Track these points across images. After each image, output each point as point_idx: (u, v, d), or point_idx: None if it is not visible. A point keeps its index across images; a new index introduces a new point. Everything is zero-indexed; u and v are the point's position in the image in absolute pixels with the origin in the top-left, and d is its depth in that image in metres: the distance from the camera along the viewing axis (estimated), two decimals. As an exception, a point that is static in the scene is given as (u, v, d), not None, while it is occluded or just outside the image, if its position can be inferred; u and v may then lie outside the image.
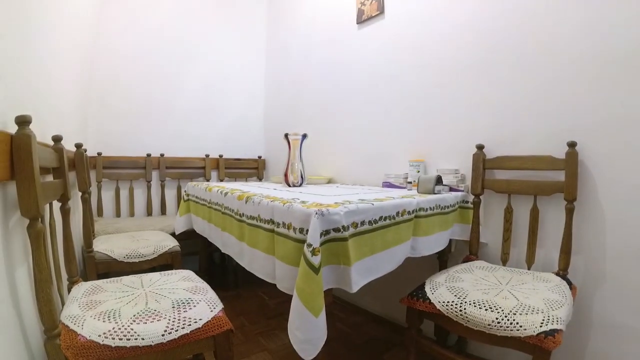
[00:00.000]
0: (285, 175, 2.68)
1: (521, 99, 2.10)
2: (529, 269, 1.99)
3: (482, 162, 2.18)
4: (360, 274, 1.47)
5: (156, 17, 3.82)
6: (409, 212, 1.75)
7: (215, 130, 4.25)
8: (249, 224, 1.76)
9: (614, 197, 1.76)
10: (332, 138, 3.47)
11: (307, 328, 1.26)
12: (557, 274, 1.81)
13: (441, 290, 1.65)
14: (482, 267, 1.97)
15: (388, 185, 2.66)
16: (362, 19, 3.12)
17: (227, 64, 4.32)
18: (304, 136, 2.69)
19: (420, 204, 1.84)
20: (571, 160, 1.84)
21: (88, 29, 3.09)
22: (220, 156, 4.22)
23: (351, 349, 2.48)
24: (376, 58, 3.02)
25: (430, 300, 1.63)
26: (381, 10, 2.95)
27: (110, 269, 2.30)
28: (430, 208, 1.92)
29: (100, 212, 3.47)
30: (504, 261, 2.08)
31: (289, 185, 2.64)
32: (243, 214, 1.84)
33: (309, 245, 1.27)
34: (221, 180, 4.09)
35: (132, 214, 3.68)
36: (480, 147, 2.19)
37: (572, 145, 1.84)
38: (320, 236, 1.31)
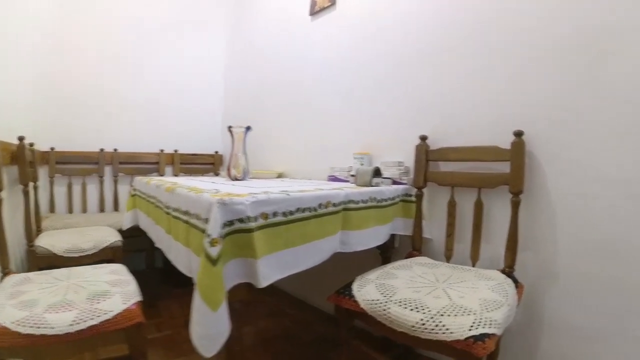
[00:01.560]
0: (228, 169, 2.45)
1: (468, 89, 1.93)
2: (473, 265, 1.80)
3: (424, 154, 1.97)
4: (272, 268, 1.31)
5: (111, 8, 3.59)
6: (334, 205, 1.56)
7: (171, 125, 4.01)
8: (174, 216, 1.61)
9: (565, 189, 1.60)
10: (286, 132, 3.29)
11: (206, 323, 1.14)
12: (503, 272, 1.63)
13: (368, 288, 1.45)
14: (422, 263, 1.78)
15: (333, 179, 2.44)
16: (314, 10, 2.92)
17: (184, 56, 4.07)
18: (248, 128, 2.46)
19: (350, 197, 1.65)
20: (517, 150, 1.64)
21: (40, 22, 2.93)
22: (176, 151, 3.97)
23: (298, 347, 2.32)
24: (327, 50, 2.84)
25: (355, 298, 1.42)
26: (332, 2, 2.76)
27: (52, 263, 2.17)
28: (363, 201, 1.72)
29: (52, 208, 3.30)
30: (448, 257, 1.89)
31: (232, 180, 2.39)
32: (169, 206, 1.69)
33: (208, 235, 1.15)
34: (175, 176, 3.82)
35: (84, 210, 3.45)
36: (423, 138, 1.99)
37: (518, 134, 1.65)
38: (224, 227, 1.19)
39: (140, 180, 2.56)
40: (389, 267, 1.70)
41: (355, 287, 1.48)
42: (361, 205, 1.70)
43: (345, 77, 2.67)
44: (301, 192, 1.44)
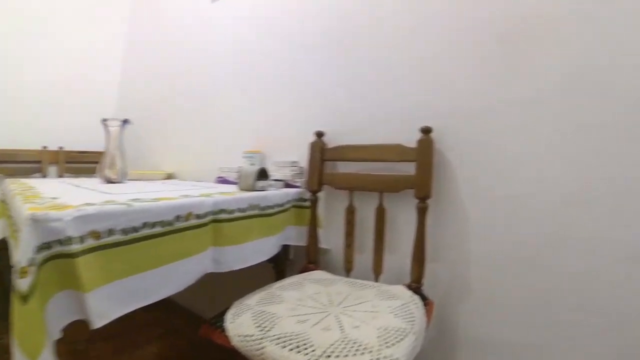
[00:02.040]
0: (102, 170, 2.02)
1: (371, 81, 1.70)
2: (377, 280, 1.56)
3: (320, 152, 1.70)
4: (112, 302, 0.98)
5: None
6: (198, 216, 1.23)
7: (57, 120, 3.45)
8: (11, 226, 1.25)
9: (479, 193, 1.41)
10: (180, 128, 2.87)
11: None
12: (410, 287, 1.40)
13: (244, 318, 1.15)
14: (317, 279, 1.50)
15: (222, 180, 2.11)
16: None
17: (78, 45, 3.50)
18: (125, 122, 2.05)
19: (220, 205, 1.32)
20: (424, 149, 1.42)
21: None
22: (61, 148, 3.39)
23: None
24: (225, 41, 2.49)
25: (227, 331, 1.11)
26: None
27: None
28: (241, 209, 1.41)
29: None
30: (348, 270, 1.63)
31: (105, 182, 1.98)
32: (11, 215, 1.31)
33: (16, 263, 0.83)
34: (60, 177, 3.27)
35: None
36: (319, 135, 1.72)
37: (426, 131, 1.43)
38: (39, 251, 0.86)
39: (7, 183, 2.07)
40: (275, 287, 1.41)
41: (229, 317, 1.18)
42: (237, 214, 1.39)
43: (242, 69, 2.34)
44: (152, 202, 1.12)
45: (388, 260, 1.58)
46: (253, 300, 1.27)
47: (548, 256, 1.30)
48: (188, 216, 1.19)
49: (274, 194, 1.59)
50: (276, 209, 1.58)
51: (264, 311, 1.17)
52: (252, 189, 1.58)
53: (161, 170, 2.84)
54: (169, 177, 2.73)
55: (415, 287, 1.42)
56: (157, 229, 1.09)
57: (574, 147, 1.26)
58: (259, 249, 1.48)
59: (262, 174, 1.64)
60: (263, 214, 1.50)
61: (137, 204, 1.06)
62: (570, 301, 1.27)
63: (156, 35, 3.28)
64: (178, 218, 1.15)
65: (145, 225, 1.06)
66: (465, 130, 1.44)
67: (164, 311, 2.59)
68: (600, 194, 1.23)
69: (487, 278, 1.41)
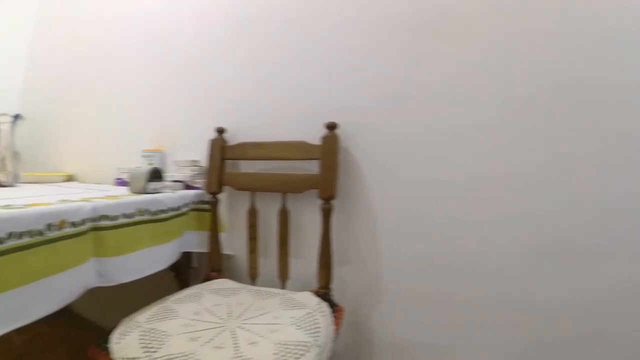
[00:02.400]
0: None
1: (277, 74, 1.60)
2: (283, 287, 1.47)
3: (220, 150, 1.57)
4: None
5: None
6: (74, 224, 1.07)
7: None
8: None
9: (388, 193, 1.37)
10: (85, 123, 2.55)
11: None
12: (317, 293, 1.32)
13: (131, 338, 1.01)
14: (218, 289, 1.37)
15: (121, 182, 1.92)
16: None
17: None
18: (17, 117, 1.81)
19: (100, 211, 1.16)
20: (329, 146, 1.35)
21: None
22: None
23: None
24: (127, 33, 2.26)
25: (112, 353, 0.98)
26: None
27: None
28: (127, 214, 1.25)
29: None
30: (253, 278, 1.53)
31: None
32: None
33: None
34: None
35: None
36: (220, 131, 1.60)
37: (331, 127, 1.36)
38: None
39: None
40: (171, 300, 1.27)
41: (116, 337, 1.03)
42: (123, 221, 1.23)
43: (146, 63, 2.13)
44: (19, 209, 0.96)
45: (295, 265, 1.49)
46: (144, 317, 1.13)
47: (460, 255, 1.28)
48: (61, 224, 1.03)
49: (168, 196, 1.44)
50: (171, 213, 1.44)
51: (153, 329, 1.04)
52: (144, 191, 1.43)
53: (62, 172, 2.56)
54: (69, 179, 2.47)
55: (324, 293, 1.34)
56: (26, 240, 0.93)
57: (487, 143, 1.24)
58: (152, 258, 1.33)
59: (155, 175, 1.49)
60: (155, 219, 1.35)
61: (1, 212, 0.90)
62: (482, 299, 1.26)
63: (61, 30, 2.92)
64: (50, 227, 0.99)
65: (11, 235, 0.89)
66: (373, 126, 1.38)
67: (74, 326, 2.35)
68: (509, 191, 1.22)
69: (400, 279, 1.37)
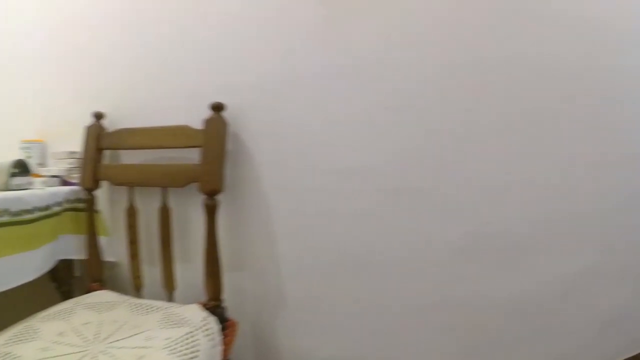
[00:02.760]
0: None
1: (158, 52, 1.36)
2: (170, 298, 1.25)
3: (95, 140, 1.32)
4: None
5: None
6: None
7: None
8: None
9: (286, 185, 1.18)
10: None
11: None
12: (206, 306, 1.10)
13: (-18, 363, 0.84)
14: (94, 304, 1.17)
15: (-13, 179, 1.63)
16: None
17: None
18: None
19: None
20: (213, 131, 1.14)
21: None
22: None
23: None
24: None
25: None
26: None
27: None
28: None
29: None
30: (138, 288, 1.30)
31: None
32: None
33: None
34: None
35: None
36: (98, 117, 1.34)
37: (216, 108, 1.13)
38: None
39: None
40: (39, 317, 1.08)
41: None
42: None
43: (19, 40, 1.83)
44: None
45: (183, 272, 1.28)
46: (3, 338, 0.96)
47: (376, 253, 1.14)
48: None
49: (33, 194, 1.19)
50: (38, 214, 1.18)
51: (8, 353, 0.88)
52: (6, 188, 1.18)
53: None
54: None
55: (213, 305, 1.12)
56: None
57: (401, 126, 1.10)
58: (14, 268, 1.09)
59: (20, 168, 1.24)
60: (17, 220, 1.10)
61: None
62: (401, 303, 1.15)
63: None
64: None
65: None
66: (268, 108, 1.19)
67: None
68: (431, 180, 1.11)
69: (307, 284, 1.20)
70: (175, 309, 1.11)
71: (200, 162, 1.14)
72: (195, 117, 1.19)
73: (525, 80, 1.20)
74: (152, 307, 1.13)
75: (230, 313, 1.15)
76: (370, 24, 1.10)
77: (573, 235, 1.44)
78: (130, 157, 1.36)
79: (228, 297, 1.17)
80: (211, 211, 1.13)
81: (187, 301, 1.15)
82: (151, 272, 1.32)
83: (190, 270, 1.27)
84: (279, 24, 1.16)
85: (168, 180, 1.20)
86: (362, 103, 1.11)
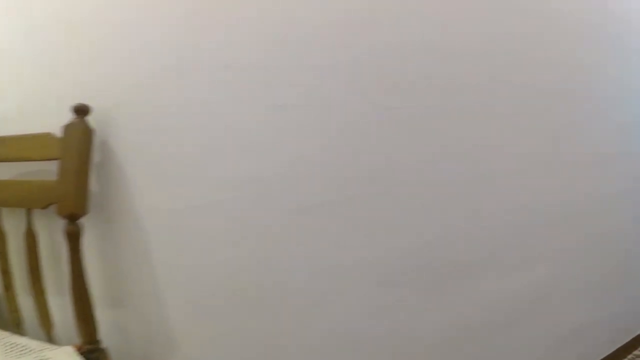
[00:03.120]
0: None
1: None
2: (50, 337, 1.05)
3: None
4: None
5: None
6: None
7: None
8: None
9: (166, 205, 0.95)
10: None
11: None
12: (80, 350, 0.91)
13: None
14: None
15: None
16: None
17: None
18: None
19: None
20: (73, 139, 0.93)
21: None
22: None
23: None
24: None
25: None
26: None
27: None
28: None
29: None
30: (16, 324, 1.10)
31: None
32: None
33: None
34: None
35: None
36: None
37: (80, 111, 0.90)
38: None
39: None
40: None
41: None
42: None
43: None
44: None
45: (59, 307, 1.06)
46: None
47: (276, 286, 0.95)
48: None
49: None
50: None
51: None
52: None
53: None
54: None
55: (89, 349, 0.92)
56: None
57: (297, 130, 0.94)
58: None
59: None
60: None
61: None
62: (309, 342, 0.99)
63: None
64: None
65: None
66: (144, 111, 0.96)
67: None
68: (337, 196, 0.95)
69: (197, 322, 0.99)
70: (48, 352, 0.92)
71: (58, 178, 0.92)
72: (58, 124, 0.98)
73: (450, 73, 1.01)
74: (25, 349, 0.94)
75: (114, 356, 0.96)
76: (257, 11, 0.88)
77: (520, 250, 1.36)
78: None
79: (109, 338, 0.97)
80: (73, 238, 0.92)
81: (69, 341, 0.97)
82: (28, 306, 1.12)
83: (67, 304, 1.07)
84: (153, 15, 0.94)
85: (28, 200, 1.00)
86: (253, 101, 0.89)
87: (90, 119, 0.93)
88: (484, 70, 1.20)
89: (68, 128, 0.93)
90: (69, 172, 0.92)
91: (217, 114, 0.92)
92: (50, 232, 1.04)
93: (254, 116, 0.91)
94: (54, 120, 0.98)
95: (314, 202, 0.92)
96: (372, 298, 1.00)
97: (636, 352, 1.98)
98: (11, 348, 0.95)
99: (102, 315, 0.96)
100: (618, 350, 1.88)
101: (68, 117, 0.93)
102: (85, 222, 0.92)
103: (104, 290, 0.99)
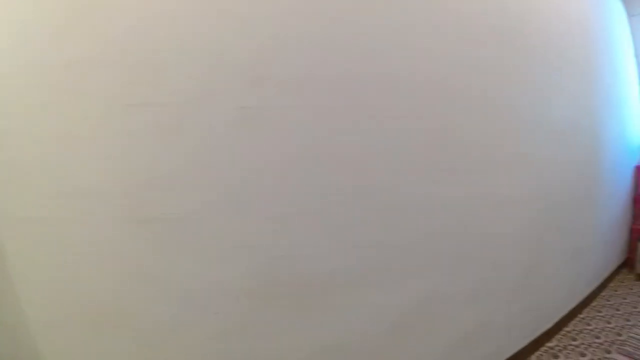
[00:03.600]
0: None
1: None
2: None
3: None
4: None
5: None
6: None
7: None
8: None
9: None
10: None
11: None
12: None
13: None
14: None
15: None
16: None
17: None
18: None
19: None
20: None
21: None
22: None
23: None
24: None
25: None
26: None
27: None
28: None
29: None
30: None
31: None
32: None
33: None
34: None
35: None
36: None
37: None
38: None
39: None
40: None
41: None
42: None
43: None
44: None
45: None
46: None
47: (118, 310, 0.85)
48: None
49: None
50: None
51: None
52: None
53: None
54: None
55: None
56: None
57: (137, 133, 0.85)
58: None
59: None
60: None
61: None
62: None
63: None
64: None
65: None
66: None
67: None
68: (184, 209, 0.87)
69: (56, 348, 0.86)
70: None
71: None
72: None
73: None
74: None
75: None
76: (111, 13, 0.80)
77: (400, 263, 1.31)
78: None
79: None
80: None
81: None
82: None
83: None
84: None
85: None
86: (92, 98, 0.79)
87: None
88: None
89: None
90: None
91: (53, 115, 0.82)
92: None
93: (93, 115, 0.81)
94: None
95: (160, 216, 0.84)
96: (229, 323, 0.93)
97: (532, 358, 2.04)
98: None
99: None
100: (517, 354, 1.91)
101: None
102: None
103: None
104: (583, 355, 2.14)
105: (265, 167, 0.97)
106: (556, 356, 2.12)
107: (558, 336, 2.34)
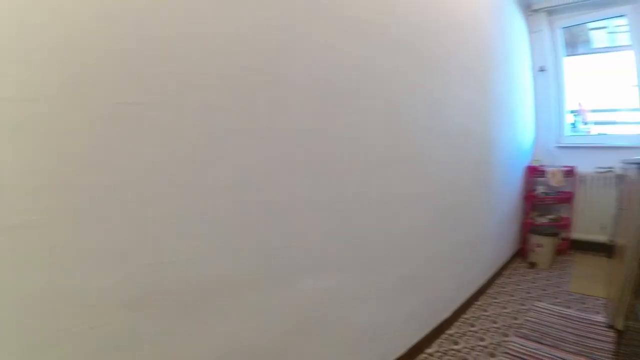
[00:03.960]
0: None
1: None
2: None
3: None
4: None
5: None
6: None
7: None
8: None
9: None
10: None
11: None
12: None
13: None
14: None
15: None
16: None
17: None
18: None
19: None
20: None
21: None
22: None
23: None
24: None
25: None
26: None
27: None
28: None
29: None
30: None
31: None
32: None
33: None
34: None
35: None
36: None
37: None
38: None
39: None
40: None
41: None
42: None
43: None
44: None
45: None
46: None
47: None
48: None
49: None
50: None
51: None
52: None
53: None
54: None
55: None
56: None
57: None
58: None
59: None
60: None
61: None
62: None
63: None
64: None
65: None
66: None
67: None
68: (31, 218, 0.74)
69: None
70: None
71: None
72: None
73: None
74: None
75: None
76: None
77: (291, 264, 1.28)
78: None
79: None
80: None
81: None
82: None
83: None
84: None
85: None
86: None
87: None
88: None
89: None
90: None
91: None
92: None
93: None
94: None
95: (15, 222, 0.74)
96: (105, 332, 0.84)
97: (428, 351, 2.13)
98: None
99: None
100: (413, 347, 1.98)
101: None
102: None
103: None
104: (482, 339, 2.26)
105: (142, 167, 0.90)
106: (456, 342, 2.22)
107: (457, 323, 2.46)
